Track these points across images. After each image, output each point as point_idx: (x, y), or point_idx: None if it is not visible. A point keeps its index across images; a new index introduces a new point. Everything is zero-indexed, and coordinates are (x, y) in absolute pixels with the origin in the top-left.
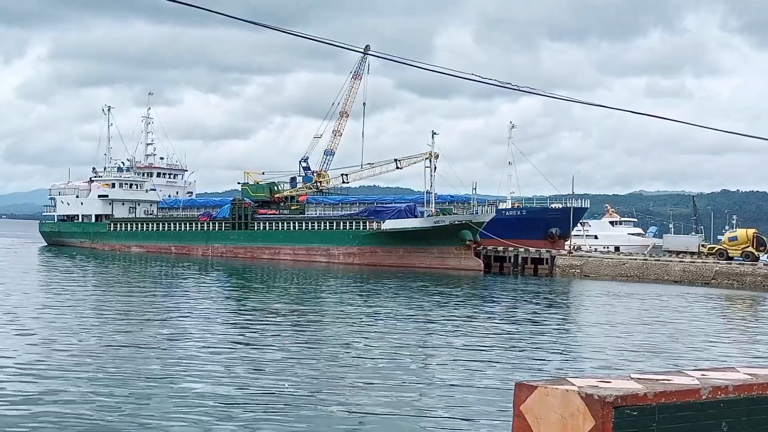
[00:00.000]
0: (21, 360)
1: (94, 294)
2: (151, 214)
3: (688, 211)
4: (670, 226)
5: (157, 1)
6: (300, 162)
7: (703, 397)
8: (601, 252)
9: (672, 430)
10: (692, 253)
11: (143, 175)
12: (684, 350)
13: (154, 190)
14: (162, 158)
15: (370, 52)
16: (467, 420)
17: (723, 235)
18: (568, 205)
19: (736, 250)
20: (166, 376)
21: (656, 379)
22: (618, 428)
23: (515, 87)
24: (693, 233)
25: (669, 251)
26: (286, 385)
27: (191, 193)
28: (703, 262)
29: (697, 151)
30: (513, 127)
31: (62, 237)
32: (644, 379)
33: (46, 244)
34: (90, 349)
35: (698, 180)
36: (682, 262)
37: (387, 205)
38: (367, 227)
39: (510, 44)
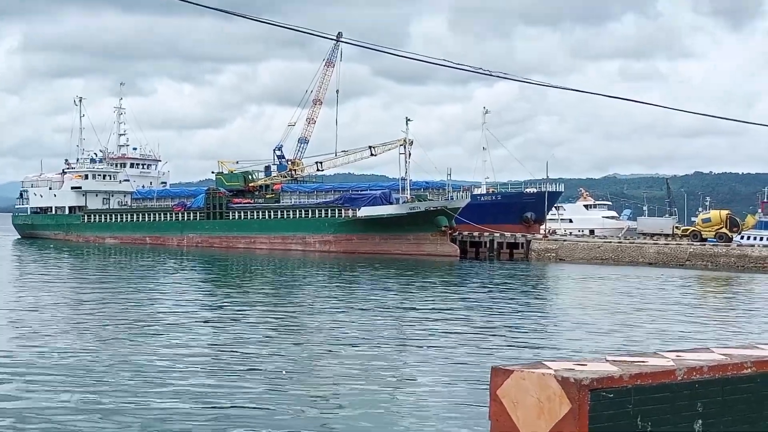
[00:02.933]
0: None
1: (70, 286)
2: (125, 205)
3: (662, 193)
4: (644, 208)
5: None
6: (274, 150)
7: (679, 378)
8: (576, 236)
9: (648, 411)
10: (666, 235)
11: (116, 166)
12: (659, 332)
13: (128, 180)
14: (135, 149)
15: (342, 39)
16: (444, 405)
17: (697, 216)
18: (543, 189)
19: (709, 231)
20: (145, 367)
21: (632, 361)
22: (594, 411)
23: (488, 72)
24: (667, 215)
25: (643, 234)
26: (283, 372)
27: (165, 183)
28: (677, 244)
29: (671, 134)
30: (487, 112)
31: (36, 229)
32: (620, 361)
33: (19, 236)
34: (66, 342)
35: (674, 163)
36: (656, 244)
37: (362, 193)
38: (343, 215)
39: (484, 31)
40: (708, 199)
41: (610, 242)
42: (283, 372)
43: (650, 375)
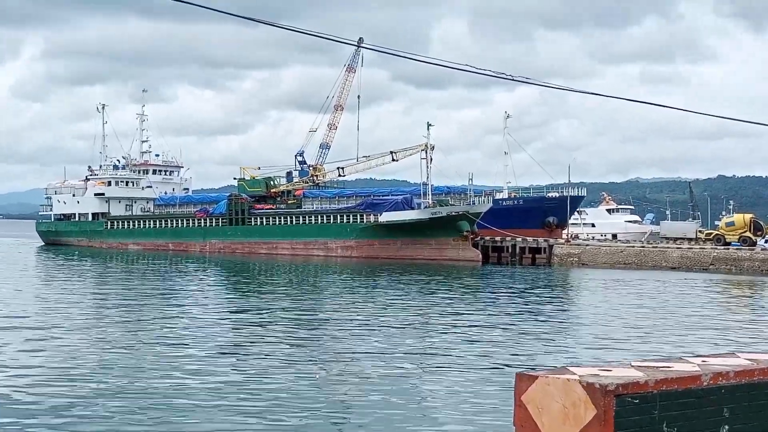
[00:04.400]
0: (23, 361)
1: (96, 292)
2: (147, 211)
3: (685, 197)
4: (667, 212)
5: None
6: (296, 156)
7: (704, 383)
8: (598, 240)
9: (673, 417)
10: (690, 239)
11: (139, 172)
12: (684, 337)
13: (150, 187)
14: (157, 155)
15: (363, 45)
16: (468, 411)
17: (720, 220)
18: (565, 193)
19: (733, 235)
20: (171, 371)
21: (657, 367)
22: (619, 416)
23: (509, 77)
24: (690, 219)
25: (666, 238)
26: (317, 376)
27: (187, 189)
28: (700, 248)
29: (693, 136)
30: (508, 117)
31: (59, 236)
32: (645, 366)
33: (43, 243)
34: (92, 348)
35: (694, 166)
36: (679, 248)
37: (384, 198)
38: (364, 220)
39: (504, 34)
40: (731, 202)
41: (633, 246)
42: (317, 376)
43: (676, 380)
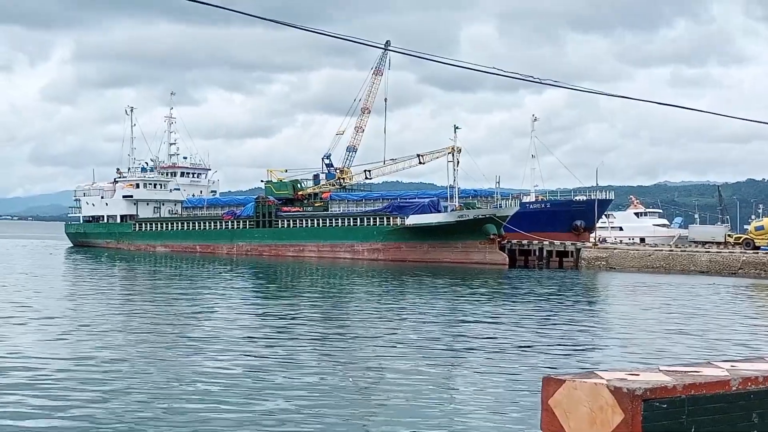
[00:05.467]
0: (52, 361)
1: (125, 294)
2: (175, 213)
3: (714, 201)
4: (696, 216)
5: (178, 1)
6: (323, 159)
7: (733, 388)
8: (626, 244)
9: (702, 422)
10: (718, 243)
11: (167, 174)
12: (713, 341)
13: (178, 189)
14: (185, 158)
15: (390, 48)
16: (495, 414)
17: (749, 224)
18: (593, 197)
19: (762, 239)
20: (200, 376)
21: (685, 371)
22: (647, 421)
23: (537, 80)
24: (719, 223)
25: (695, 242)
26: (350, 380)
27: (215, 191)
28: (729, 252)
29: (723, 139)
30: (535, 120)
31: (88, 238)
32: (673, 371)
33: (72, 245)
34: (122, 349)
35: (724, 169)
36: (708, 252)
37: (410, 201)
38: (391, 223)
39: (533, 36)
40: (761, 206)
41: (661, 250)
42: (350, 380)
43: (704, 385)
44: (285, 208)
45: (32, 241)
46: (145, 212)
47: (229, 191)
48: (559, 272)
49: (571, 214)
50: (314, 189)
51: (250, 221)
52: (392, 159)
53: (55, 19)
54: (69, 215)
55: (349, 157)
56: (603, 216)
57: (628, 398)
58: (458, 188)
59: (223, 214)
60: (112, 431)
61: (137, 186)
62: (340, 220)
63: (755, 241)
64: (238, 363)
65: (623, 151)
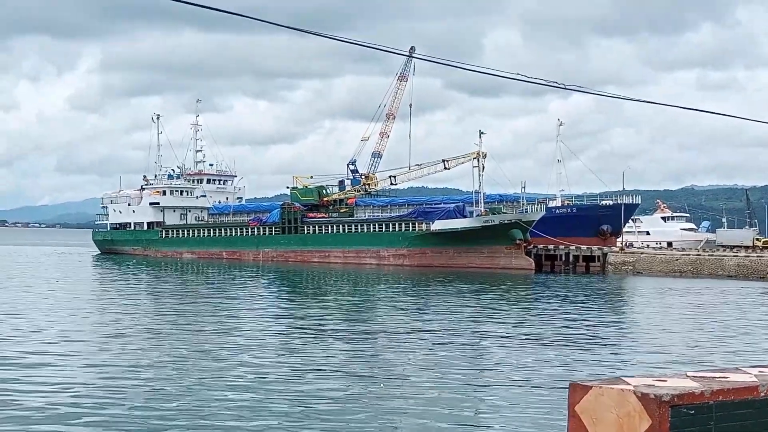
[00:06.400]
0: (82, 366)
1: (154, 300)
2: (201, 220)
3: (741, 204)
4: (723, 220)
5: (203, 11)
6: (348, 165)
7: (762, 394)
8: (653, 248)
9: (730, 428)
10: (746, 247)
11: (193, 181)
12: (741, 347)
13: (204, 196)
14: (211, 165)
15: (414, 55)
16: (522, 420)
17: None
18: (619, 201)
19: None
20: (234, 381)
21: (713, 377)
22: (675, 428)
23: (561, 85)
24: (747, 227)
25: (723, 246)
26: (381, 386)
27: (241, 198)
28: (758, 257)
29: (750, 143)
30: (561, 124)
31: (115, 245)
32: (701, 377)
33: (99, 252)
34: (150, 355)
35: (751, 173)
36: (736, 256)
37: (436, 206)
38: (417, 228)
39: (558, 42)
40: None
41: (689, 255)
42: (381, 385)
43: (732, 391)
44: (310, 214)
45: (60, 249)
46: (172, 219)
47: (255, 198)
48: (586, 277)
49: (597, 219)
50: (339, 195)
51: (275, 227)
52: (417, 164)
53: (83, 29)
54: (96, 222)
55: (374, 163)
56: (630, 220)
57: (656, 404)
58: (484, 193)
59: (249, 220)
60: None
61: (164, 193)
62: (365, 226)
63: None
64: (267, 368)
65: (650, 156)
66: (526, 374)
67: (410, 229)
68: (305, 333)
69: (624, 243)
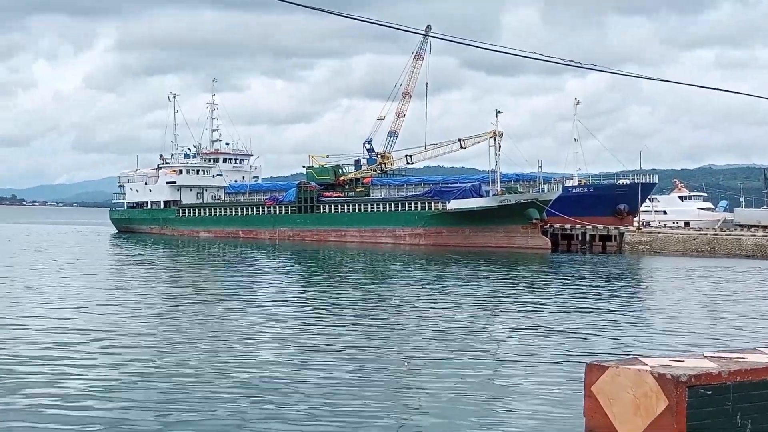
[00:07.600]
0: (97, 345)
1: (174, 278)
2: (218, 199)
3: (759, 184)
4: (741, 199)
5: None
6: (364, 144)
7: None
8: (670, 227)
9: (747, 409)
10: (765, 227)
11: (210, 161)
12: (759, 327)
13: (221, 175)
14: (228, 144)
15: (431, 34)
16: (538, 400)
17: None
18: (636, 180)
19: None
20: (251, 364)
21: (731, 358)
22: (692, 408)
23: (578, 64)
24: (765, 206)
25: (740, 225)
26: (406, 364)
27: (257, 177)
28: None
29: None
30: (578, 103)
31: (132, 224)
32: (718, 357)
33: (116, 231)
34: (166, 333)
35: None
36: (754, 236)
37: (452, 185)
38: (433, 208)
39: (576, 21)
40: None
41: (706, 234)
42: (406, 363)
43: (750, 372)
44: (327, 194)
45: (78, 227)
46: (189, 198)
47: (271, 177)
48: (602, 256)
49: (614, 198)
50: (356, 174)
51: (292, 207)
52: (433, 144)
53: (100, 7)
54: (113, 201)
55: (390, 142)
56: (647, 200)
57: (673, 385)
58: (500, 173)
59: (266, 199)
60: (154, 415)
61: (180, 172)
62: (381, 205)
63: None
64: (281, 350)
65: (667, 135)
66: (542, 354)
67: (426, 208)
68: (322, 312)
69: (641, 222)
